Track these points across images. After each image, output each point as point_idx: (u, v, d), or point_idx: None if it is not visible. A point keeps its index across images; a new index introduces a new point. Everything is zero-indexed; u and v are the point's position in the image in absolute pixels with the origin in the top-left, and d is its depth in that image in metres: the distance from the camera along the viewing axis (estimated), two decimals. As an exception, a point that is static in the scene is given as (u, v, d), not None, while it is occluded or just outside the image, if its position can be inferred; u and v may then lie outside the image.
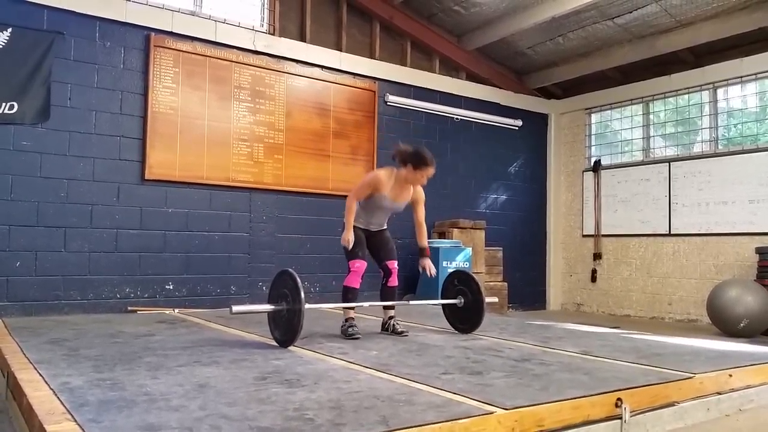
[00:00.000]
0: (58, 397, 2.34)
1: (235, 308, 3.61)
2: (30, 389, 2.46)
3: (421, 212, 4.39)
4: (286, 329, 3.64)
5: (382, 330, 4.47)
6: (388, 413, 2.20)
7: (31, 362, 3.04)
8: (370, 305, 4.39)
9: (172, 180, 6.23)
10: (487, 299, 4.45)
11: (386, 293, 4.39)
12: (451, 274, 4.73)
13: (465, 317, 4.49)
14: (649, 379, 2.86)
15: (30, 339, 3.81)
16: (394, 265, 4.37)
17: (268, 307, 3.72)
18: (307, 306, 3.54)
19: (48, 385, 2.55)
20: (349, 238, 4.10)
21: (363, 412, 2.23)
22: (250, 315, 4.65)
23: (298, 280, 3.56)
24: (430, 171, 4.15)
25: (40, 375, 2.74)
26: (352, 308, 4.25)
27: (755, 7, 6.78)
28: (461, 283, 4.53)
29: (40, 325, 4.54)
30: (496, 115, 8.74)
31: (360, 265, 4.19)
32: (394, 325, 4.39)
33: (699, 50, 7.66)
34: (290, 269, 3.69)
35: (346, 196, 7.00)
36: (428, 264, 4.40)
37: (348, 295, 4.20)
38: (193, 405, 2.28)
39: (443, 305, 4.58)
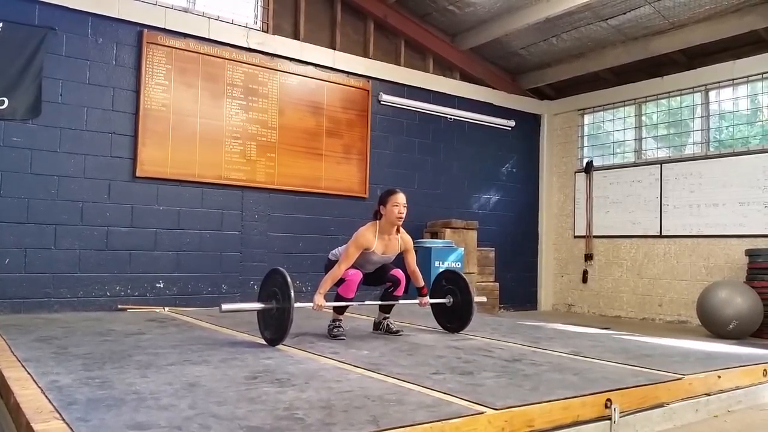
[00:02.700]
0: (46, 396, 2.32)
1: (225, 306, 3.60)
2: (18, 387, 2.44)
3: (411, 261, 4.30)
4: (275, 328, 3.63)
5: (374, 330, 4.47)
6: (379, 413, 2.20)
7: (19, 360, 3.02)
8: (359, 305, 4.37)
9: (163, 178, 6.21)
10: (476, 298, 4.45)
11: (388, 299, 4.32)
12: (439, 273, 4.73)
13: (454, 316, 4.50)
14: (638, 380, 2.87)
15: (18, 337, 3.78)
16: (400, 272, 4.24)
17: (258, 305, 3.71)
18: (297, 305, 3.53)
19: (36, 383, 2.53)
20: (320, 303, 3.90)
21: (353, 411, 2.22)
22: (240, 314, 4.65)
23: (288, 278, 3.55)
24: (399, 197, 4.07)
25: (29, 373, 2.72)
26: (342, 311, 4.22)
27: (747, 10, 6.82)
28: (450, 282, 4.53)
29: (29, 323, 4.51)
30: (489, 115, 8.76)
31: (354, 274, 4.05)
32: (388, 324, 4.38)
33: (692, 52, 7.70)
34: (280, 268, 3.67)
35: (338, 196, 7.23)
36: (425, 301, 4.38)
37: (341, 302, 4.11)
38: (183, 404, 2.27)
39: (432, 305, 4.58)
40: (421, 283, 4.38)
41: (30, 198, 5.57)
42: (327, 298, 4.01)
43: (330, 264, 4.29)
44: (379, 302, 4.39)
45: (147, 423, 2.02)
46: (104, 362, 3.02)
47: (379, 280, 4.31)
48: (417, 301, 4.39)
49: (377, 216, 4.14)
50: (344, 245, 4.26)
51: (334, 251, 4.36)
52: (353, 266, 4.08)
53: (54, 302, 5.63)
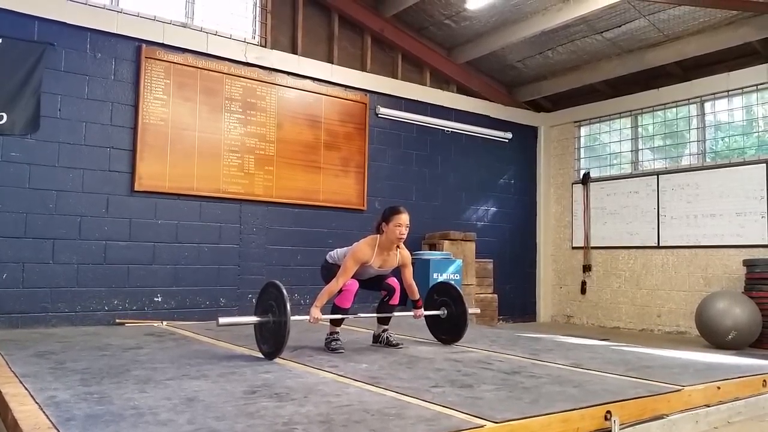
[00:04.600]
0: (43, 412, 2.31)
1: (222, 320, 3.59)
2: (15, 403, 2.43)
3: (408, 275, 4.32)
4: (272, 341, 3.63)
5: (373, 342, 4.46)
6: (378, 427, 2.19)
7: (16, 376, 3.01)
8: (355, 317, 4.36)
9: (161, 191, 6.21)
10: (470, 310, 4.45)
11: (385, 310, 4.34)
12: (432, 287, 4.73)
13: (449, 328, 4.49)
14: (638, 392, 2.87)
15: (16, 352, 3.77)
16: (394, 281, 4.28)
17: (255, 318, 3.71)
18: (294, 318, 3.52)
19: (34, 399, 2.52)
20: (317, 316, 3.90)
21: (353, 426, 2.21)
22: (239, 328, 4.62)
23: (284, 291, 3.55)
24: (402, 218, 4.05)
25: (26, 389, 2.71)
26: (339, 323, 4.21)
27: (741, 22, 6.88)
28: (443, 294, 4.54)
29: (27, 338, 4.50)
30: (486, 127, 8.80)
31: (350, 284, 4.05)
32: (387, 337, 4.37)
33: (686, 64, 7.76)
34: (276, 281, 3.67)
35: (337, 208, 7.23)
36: (419, 313, 4.39)
37: (338, 313, 4.10)
38: (182, 419, 2.26)
39: (426, 319, 4.57)
40: (417, 296, 4.39)
41: (28, 212, 5.57)
42: (323, 311, 4.00)
43: (327, 266, 4.32)
44: (375, 314, 4.38)
45: (145, 439, 2.01)
46: (102, 377, 3.01)
47: (375, 286, 4.32)
48: (412, 313, 4.39)
49: (379, 230, 4.15)
50: (342, 249, 4.31)
51: (331, 253, 4.39)
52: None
53: (52, 317, 5.61)
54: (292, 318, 3.52)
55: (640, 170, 8.50)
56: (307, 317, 3.89)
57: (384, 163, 7.82)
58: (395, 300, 4.29)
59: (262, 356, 3.70)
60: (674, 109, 8.17)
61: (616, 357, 4.17)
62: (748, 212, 7.16)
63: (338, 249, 4.38)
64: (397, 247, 4.19)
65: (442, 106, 8.39)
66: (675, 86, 7.96)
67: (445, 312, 4.48)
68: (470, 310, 4.47)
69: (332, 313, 4.10)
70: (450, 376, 3.23)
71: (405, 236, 4.11)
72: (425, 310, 4.50)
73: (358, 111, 7.60)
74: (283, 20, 7.27)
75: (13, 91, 5.50)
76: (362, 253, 4.06)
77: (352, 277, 4.08)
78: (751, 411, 3.24)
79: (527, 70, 8.79)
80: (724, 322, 6.23)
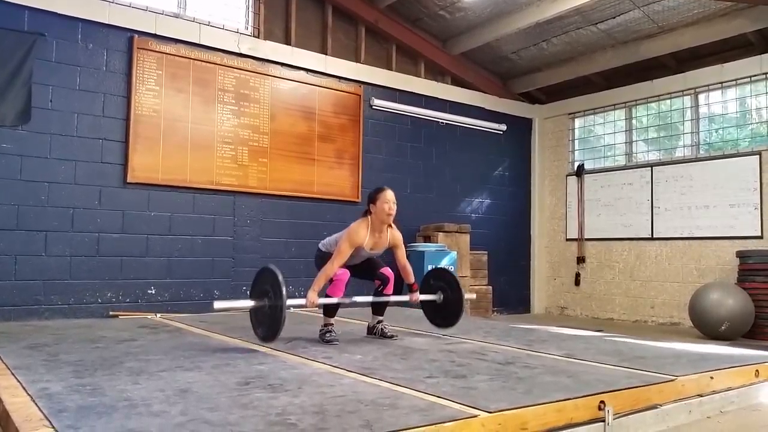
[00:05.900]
0: (35, 404, 2.30)
1: (217, 304, 3.59)
2: (7, 395, 2.42)
3: (401, 256, 4.31)
4: (268, 324, 3.62)
5: (368, 334, 4.46)
6: (372, 417, 2.19)
7: (8, 368, 2.99)
8: (350, 301, 4.33)
9: (155, 183, 6.18)
10: (466, 295, 4.46)
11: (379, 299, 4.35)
12: (427, 273, 4.73)
13: (446, 312, 4.49)
14: (631, 382, 2.87)
15: (8, 344, 3.74)
16: (388, 270, 4.27)
17: (250, 303, 3.70)
18: (289, 301, 3.51)
19: (26, 391, 2.50)
20: (314, 300, 3.91)
21: (346, 416, 2.21)
22: (233, 319, 4.63)
23: (279, 275, 3.53)
24: (388, 194, 4.07)
25: (18, 381, 2.69)
26: (333, 314, 4.21)
27: (735, 14, 6.89)
28: (437, 279, 4.53)
29: (20, 331, 4.47)
30: (481, 119, 8.79)
31: (342, 273, 4.05)
32: (382, 329, 4.37)
33: (681, 56, 7.76)
34: (271, 265, 3.66)
35: (331, 200, 7.21)
36: (415, 297, 4.38)
37: (330, 304, 4.11)
38: (175, 410, 2.25)
39: (422, 305, 4.57)
40: (412, 279, 4.39)
41: (20, 204, 5.53)
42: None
43: (321, 254, 4.32)
44: (371, 299, 4.37)
45: (138, 430, 2.00)
46: (95, 369, 3.00)
47: (367, 274, 4.31)
48: (407, 297, 4.39)
49: (367, 213, 4.16)
50: (334, 235, 4.31)
51: (323, 241, 4.40)
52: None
53: (45, 309, 5.58)
54: (289, 301, 3.51)
55: (634, 162, 8.52)
56: (304, 300, 3.89)
57: (378, 155, 7.81)
58: (389, 290, 4.29)
59: (256, 348, 3.69)
60: (668, 101, 8.18)
61: (609, 347, 4.18)
62: (741, 204, 7.19)
63: (329, 237, 4.38)
64: (389, 226, 4.19)
65: (437, 98, 8.37)
66: (669, 78, 7.96)
67: (441, 296, 4.47)
68: (466, 296, 4.47)
69: (324, 305, 4.10)
70: (444, 367, 3.23)
71: (394, 213, 4.12)
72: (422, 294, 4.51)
73: (352, 102, 7.57)
74: (277, 11, 7.23)
75: (3, 83, 5.44)
76: (357, 235, 4.07)
77: (344, 267, 4.08)
78: (744, 401, 3.26)
79: (522, 61, 8.78)
80: (717, 313, 6.27)
